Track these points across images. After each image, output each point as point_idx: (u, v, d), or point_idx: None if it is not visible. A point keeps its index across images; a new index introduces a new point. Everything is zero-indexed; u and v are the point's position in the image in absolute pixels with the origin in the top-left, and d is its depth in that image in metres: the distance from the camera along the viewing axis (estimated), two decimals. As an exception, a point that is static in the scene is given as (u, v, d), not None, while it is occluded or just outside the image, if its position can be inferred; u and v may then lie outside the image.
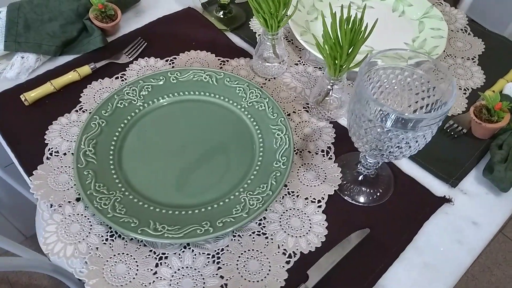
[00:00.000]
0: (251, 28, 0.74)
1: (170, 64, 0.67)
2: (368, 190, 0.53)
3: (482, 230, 0.50)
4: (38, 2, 0.66)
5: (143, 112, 0.59)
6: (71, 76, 0.62)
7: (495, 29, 0.78)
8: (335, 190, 0.53)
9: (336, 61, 0.53)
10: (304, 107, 0.62)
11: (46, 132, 0.57)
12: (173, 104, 0.60)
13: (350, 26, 0.50)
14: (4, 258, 0.67)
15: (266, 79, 0.66)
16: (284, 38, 0.72)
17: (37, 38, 0.64)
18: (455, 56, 0.70)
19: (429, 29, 0.71)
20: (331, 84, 0.57)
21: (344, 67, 0.54)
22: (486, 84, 0.66)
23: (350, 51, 0.52)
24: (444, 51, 0.70)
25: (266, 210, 0.50)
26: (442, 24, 0.71)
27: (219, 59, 0.68)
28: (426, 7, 0.74)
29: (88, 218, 0.49)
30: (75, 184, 0.52)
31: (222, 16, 0.74)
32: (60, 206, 0.50)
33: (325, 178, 0.54)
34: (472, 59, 0.70)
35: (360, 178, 0.54)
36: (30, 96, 0.60)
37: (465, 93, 0.65)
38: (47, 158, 0.55)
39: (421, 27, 0.72)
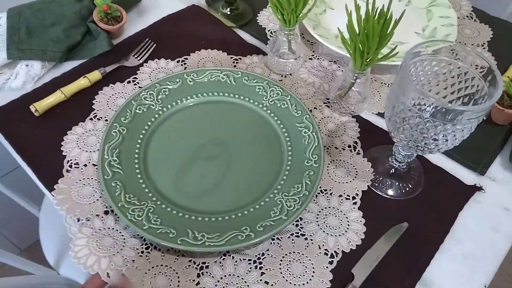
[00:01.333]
0: (259, 24, 0.72)
1: (182, 65, 0.65)
2: (400, 183, 0.53)
3: (514, 216, 0.51)
4: (39, 6, 0.62)
5: (163, 116, 0.57)
6: (82, 82, 0.59)
7: (493, 12, 0.78)
8: (368, 186, 0.52)
9: (363, 54, 0.52)
10: (324, 102, 0.62)
11: (62, 143, 0.54)
12: (193, 107, 0.59)
13: (378, 19, 0.49)
14: (19, 278, 0.64)
15: (282, 76, 0.65)
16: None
17: (41, 44, 0.61)
18: (465, 43, 0.71)
19: (438, 17, 0.71)
20: (354, 77, 0.56)
21: (370, 60, 0.53)
22: (499, 69, 0.66)
23: (378, 43, 0.51)
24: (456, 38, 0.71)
25: (304, 210, 0.49)
26: (450, 12, 0.71)
27: (231, 57, 0.67)
28: (433, -5, 0.74)
29: (120, 232, 0.47)
30: (101, 197, 0.50)
31: (229, 13, 0.73)
32: (88, 220, 0.48)
33: (356, 174, 0.53)
34: (482, 45, 0.70)
35: (391, 171, 0.53)
36: (41, 106, 0.57)
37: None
38: (67, 171, 0.52)
39: (429, 16, 0.72)
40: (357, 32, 0.51)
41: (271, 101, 0.59)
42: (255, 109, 0.59)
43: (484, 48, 0.70)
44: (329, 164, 0.55)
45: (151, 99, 0.57)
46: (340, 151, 0.56)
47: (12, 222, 1.20)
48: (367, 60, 0.53)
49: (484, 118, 0.59)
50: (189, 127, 0.57)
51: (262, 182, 0.51)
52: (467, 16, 0.76)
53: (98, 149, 0.53)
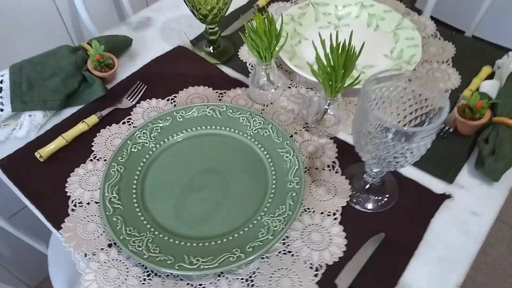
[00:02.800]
0: (241, 58, 0.79)
1: (171, 102, 0.71)
2: (375, 197, 0.58)
3: (482, 218, 0.56)
4: (38, 61, 0.68)
5: (157, 152, 0.62)
6: (81, 127, 0.65)
7: (460, 25, 0.84)
8: (347, 201, 0.57)
9: (331, 84, 0.58)
10: (304, 127, 0.67)
11: (66, 185, 0.60)
12: (183, 141, 0.64)
13: (341, 52, 0.55)
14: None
15: (264, 105, 0.70)
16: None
17: (42, 95, 0.67)
18: (431, 61, 0.77)
19: (404, 40, 0.78)
20: (328, 104, 0.62)
21: (338, 87, 0.59)
22: (463, 84, 0.72)
23: (343, 73, 0.57)
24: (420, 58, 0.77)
25: (288, 229, 0.53)
26: (415, 33, 0.77)
27: (217, 92, 0.72)
28: (397, 19, 0.80)
29: (124, 262, 0.52)
30: (104, 231, 0.55)
31: (212, 51, 0.79)
32: (94, 254, 0.53)
33: (335, 192, 0.58)
34: (447, 61, 0.76)
35: (367, 186, 0.58)
36: (45, 152, 0.62)
37: (446, 92, 0.71)
38: (72, 210, 0.57)
39: (396, 38, 0.79)
40: (325, 63, 0.57)
41: (254, 130, 0.64)
42: (240, 138, 0.64)
43: (448, 64, 0.76)
44: (311, 184, 0.60)
45: (145, 138, 0.63)
46: (320, 171, 0.61)
47: (20, 260, 1.24)
48: (336, 88, 0.58)
49: (451, 130, 0.65)
50: (181, 160, 0.62)
51: (250, 206, 0.56)
52: (432, 35, 0.82)
53: (99, 188, 0.58)
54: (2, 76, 0.66)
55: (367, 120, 0.45)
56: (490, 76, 0.72)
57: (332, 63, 0.56)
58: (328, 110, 0.63)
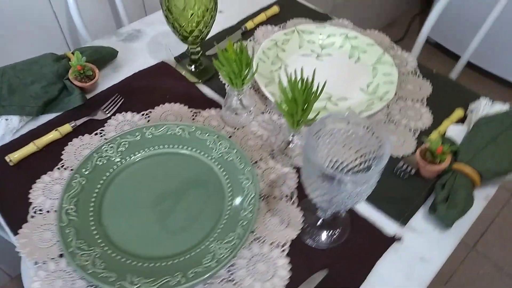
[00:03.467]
0: (220, 79, 0.80)
1: (145, 118, 0.73)
2: (327, 232, 0.59)
3: (429, 265, 0.56)
4: (21, 67, 0.71)
5: (121, 167, 0.64)
6: (52, 136, 0.67)
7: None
8: (297, 234, 0.58)
9: (293, 116, 0.59)
10: (270, 154, 0.68)
11: (30, 191, 0.62)
12: (148, 158, 0.66)
13: (303, 87, 0.57)
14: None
15: (235, 129, 0.72)
16: (251, 88, 0.78)
17: (21, 101, 0.69)
18: (406, 98, 0.77)
19: (381, 75, 0.78)
20: (292, 134, 0.63)
21: (301, 121, 0.60)
22: (433, 124, 0.73)
23: (305, 107, 0.58)
24: (396, 93, 0.77)
25: (234, 257, 0.55)
26: (393, 70, 0.78)
27: (191, 111, 0.74)
28: (378, 53, 0.81)
29: (71, 274, 0.54)
30: (58, 241, 0.56)
31: (193, 70, 0.81)
32: (44, 263, 0.54)
33: (288, 223, 0.59)
34: (421, 100, 0.77)
35: (319, 222, 0.59)
36: (15, 157, 0.64)
37: (414, 135, 0.71)
38: (32, 217, 0.59)
39: (374, 73, 0.80)
40: (288, 97, 0.58)
41: (219, 154, 0.65)
42: (204, 161, 0.66)
43: (423, 103, 0.76)
44: (266, 212, 0.61)
45: (112, 152, 0.64)
46: (277, 200, 0.62)
47: (2, 250, 1.26)
48: (298, 122, 0.60)
49: (413, 171, 0.65)
50: (142, 177, 0.63)
51: (201, 230, 0.58)
52: (411, 72, 0.83)
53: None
54: (-17, 79, 0.68)
55: (309, 161, 0.46)
56: (462, 120, 0.73)
57: (294, 97, 0.57)
58: (293, 141, 0.64)
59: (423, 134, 0.71)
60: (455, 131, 0.68)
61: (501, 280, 1.37)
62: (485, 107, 0.70)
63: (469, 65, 1.87)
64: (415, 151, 0.68)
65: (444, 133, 0.69)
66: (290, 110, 0.58)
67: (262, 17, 0.92)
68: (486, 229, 1.49)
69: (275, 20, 0.93)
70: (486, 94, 0.75)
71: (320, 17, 0.95)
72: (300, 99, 0.57)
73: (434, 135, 0.69)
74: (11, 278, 1.40)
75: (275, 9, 0.95)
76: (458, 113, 0.73)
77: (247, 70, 0.64)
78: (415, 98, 0.77)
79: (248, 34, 0.90)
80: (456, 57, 1.28)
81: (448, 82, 0.81)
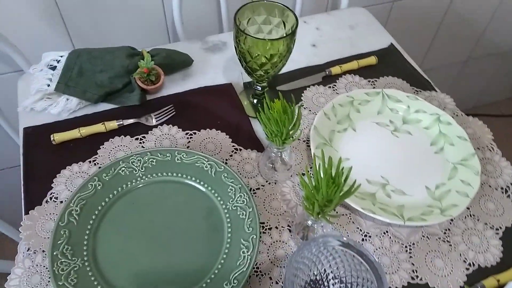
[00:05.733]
0: (277, 121, 0.74)
1: (188, 137, 0.71)
2: None
3: None
4: (96, 54, 0.74)
5: (138, 183, 0.63)
6: (97, 128, 0.69)
7: None
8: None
9: (313, 203, 0.51)
10: (288, 225, 0.61)
11: (56, 175, 0.65)
12: (167, 183, 0.64)
13: (327, 179, 0.48)
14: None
15: (267, 181, 0.66)
16: (301, 142, 0.71)
17: (85, 86, 0.72)
18: (478, 219, 0.63)
19: (459, 181, 0.64)
20: (309, 222, 0.55)
21: (319, 214, 0.52)
22: (499, 264, 0.58)
23: (326, 202, 0.50)
24: (468, 208, 0.63)
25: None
26: (475, 180, 0.63)
27: (233, 146, 0.70)
28: (468, 153, 0.67)
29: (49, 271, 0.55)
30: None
31: (255, 102, 0.76)
32: (35, 253, 0.57)
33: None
34: (496, 229, 0.62)
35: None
36: (57, 137, 0.68)
37: (468, 269, 0.57)
38: (46, 202, 0.62)
39: (452, 174, 0.66)
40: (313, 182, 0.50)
41: (234, 206, 0.61)
42: (219, 208, 0.61)
43: (497, 233, 0.61)
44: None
45: (138, 165, 0.64)
46: (272, 284, 0.56)
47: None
48: (317, 213, 0.52)
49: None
50: (154, 201, 0.62)
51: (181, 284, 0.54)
52: (503, 188, 0.67)
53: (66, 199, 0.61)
54: (61, 56, 0.73)
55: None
56: (541, 276, 0.56)
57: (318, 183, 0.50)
58: (310, 227, 0.57)
59: (481, 273, 0.57)
60: (519, 291, 0.53)
61: None
62: None
63: None
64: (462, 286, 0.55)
65: (504, 286, 0.54)
66: (308, 197, 0.51)
67: (353, 64, 0.83)
68: None
69: (368, 72, 0.83)
70: None
71: (420, 83, 0.82)
72: (323, 191, 0.49)
73: (490, 282, 0.55)
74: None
75: (372, 60, 0.84)
76: (538, 265, 0.57)
77: (291, 131, 0.58)
78: (490, 223, 0.62)
79: (330, 79, 0.81)
80: None
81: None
